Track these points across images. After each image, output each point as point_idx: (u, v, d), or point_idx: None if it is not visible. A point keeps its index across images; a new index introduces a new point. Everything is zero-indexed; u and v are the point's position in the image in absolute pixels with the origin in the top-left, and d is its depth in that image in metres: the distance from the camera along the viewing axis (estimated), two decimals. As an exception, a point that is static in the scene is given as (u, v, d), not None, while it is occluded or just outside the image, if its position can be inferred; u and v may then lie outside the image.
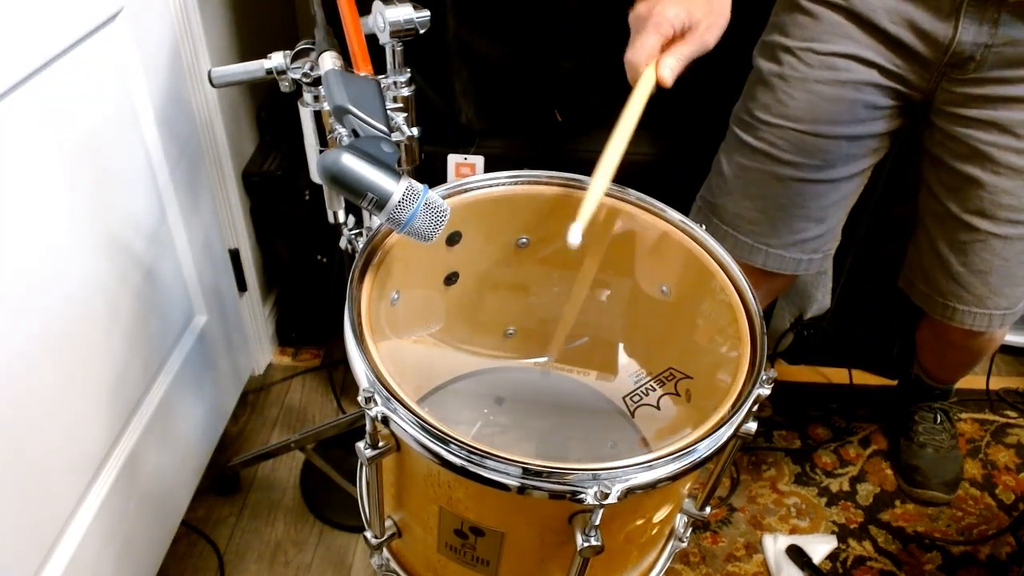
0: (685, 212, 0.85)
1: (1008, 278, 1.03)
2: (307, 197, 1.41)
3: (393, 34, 0.83)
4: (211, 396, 1.37)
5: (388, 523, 0.80)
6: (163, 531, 1.23)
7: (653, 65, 0.78)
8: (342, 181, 0.64)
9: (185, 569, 1.27)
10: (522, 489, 0.60)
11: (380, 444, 0.68)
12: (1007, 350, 1.77)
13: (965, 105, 0.95)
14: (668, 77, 0.78)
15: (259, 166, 1.43)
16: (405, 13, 0.82)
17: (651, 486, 0.61)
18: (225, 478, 1.39)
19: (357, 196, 0.65)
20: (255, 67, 0.88)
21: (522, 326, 1.01)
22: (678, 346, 0.90)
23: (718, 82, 1.08)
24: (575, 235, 0.72)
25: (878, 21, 0.92)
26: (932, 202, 1.05)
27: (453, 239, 0.87)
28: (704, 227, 1.08)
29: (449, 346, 0.98)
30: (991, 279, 1.03)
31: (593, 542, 0.61)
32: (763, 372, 0.69)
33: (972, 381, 1.61)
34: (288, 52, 0.87)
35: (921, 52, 0.93)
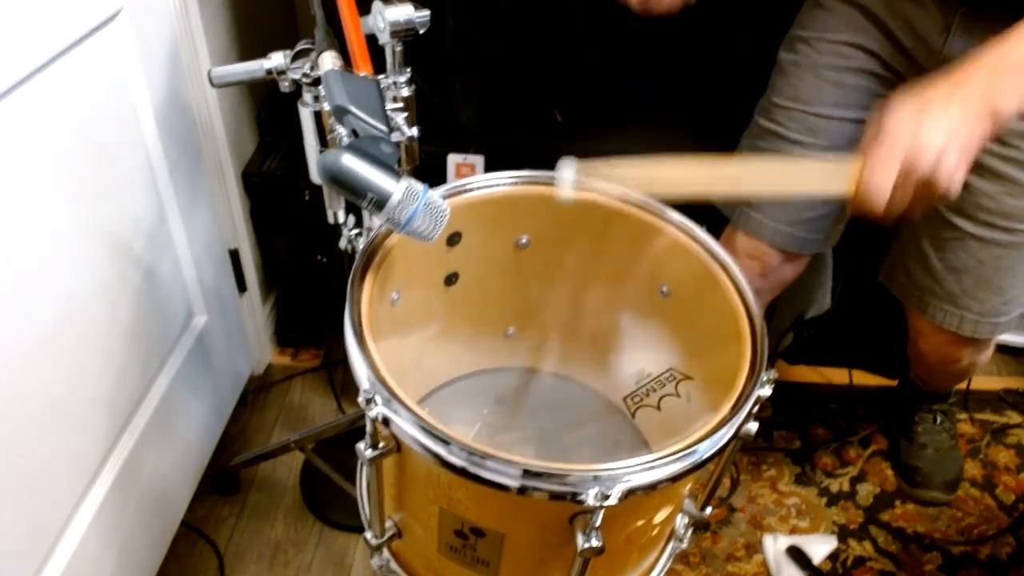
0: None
1: (982, 281, 1.05)
2: (307, 197, 1.41)
3: (393, 34, 0.83)
4: (211, 396, 1.37)
5: (388, 524, 0.80)
6: (163, 531, 1.23)
7: None
8: (342, 181, 0.64)
9: (185, 569, 1.27)
10: (522, 490, 0.60)
11: (380, 445, 0.68)
12: (1007, 350, 1.76)
13: None
14: None
15: (259, 166, 1.43)
16: (405, 13, 0.82)
17: (652, 487, 0.61)
18: (225, 478, 1.39)
19: (357, 196, 0.65)
20: (255, 67, 0.88)
21: (522, 326, 1.01)
22: (678, 347, 0.90)
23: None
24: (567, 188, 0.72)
25: (882, 17, 0.98)
26: None
27: (453, 239, 0.87)
28: (727, 208, 1.14)
29: (449, 346, 0.98)
30: (964, 279, 1.06)
31: (594, 543, 0.60)
32: (763, 373, 0.69)
33: (973, 381, 1.60)
34: (288, 52, 0.87)
35: (917, 56, 0.97)
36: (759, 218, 1.11)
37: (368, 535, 0.81)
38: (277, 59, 0.87)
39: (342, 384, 1.58)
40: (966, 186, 0.99)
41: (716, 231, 0.85)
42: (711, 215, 1.13)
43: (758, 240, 1.12)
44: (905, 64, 0.99)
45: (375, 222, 0.81)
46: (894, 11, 0.96)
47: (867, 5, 0.99)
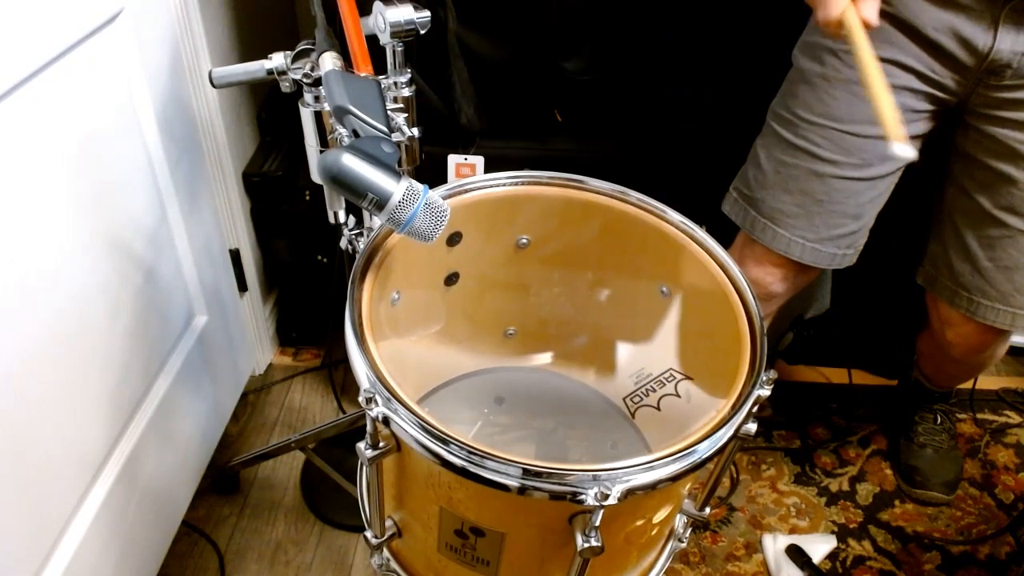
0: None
1: None
2: (307, 197, 1.41)
3: (394, 35, 0.83)
4: (211, 396, 1.37)
5: (388, 523, 0.80)
6: (164, 531, 1.23)
7: (852, 12, 0.80)
8: (342, 181, 0.64)
9: (186, 569, 1.27)
10: (522, 490, 0.60)
11: (381, 444, 0.68)
12: (1007, 350, 1.76)
13: (1001, 108, 0.97)
14: (873, 17, 0.80)
15: (259, 166, 1.43)
16: (405, 14, 0.82)
17: (651, 487, 0.61)
18: (225, 478, 1.39)
19: (357, 196, 0.65)
20: (256, 67, 0.88)
21: (522, 326, 1.01)
22: (678, 346, 0.90)
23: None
24: (903, 150, 0.73)
25: (921, 28, 0.95)
26: (963, 199, 1.06)
27: (453, 239, 0.87)
28: (743, 220, 1.12)
29: (449, 346, 0.98)
30: (1016, 276, 1.04)
31: (593, 543, 0.61)
32: (763, 373, 0.69)
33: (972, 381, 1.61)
34: (289, 52, 0.87)
35: (961, 59, 0.95)
36: (787, 236, 1.08)
37: (368, 534, 0.81)
38: (278, 59, 0.87)
39: (342, 384, 1.59)
40: (1014, 182, 0.99)
41: (715, 231, 0.85)
42: (711, 215, 1.13)
43: (783, 256, 1.10)
44: (947, 72, 0.96)
45: (375, 222, 0.81)
46: (934, 19, 0.94)
47: (904, 17, 0.95)
